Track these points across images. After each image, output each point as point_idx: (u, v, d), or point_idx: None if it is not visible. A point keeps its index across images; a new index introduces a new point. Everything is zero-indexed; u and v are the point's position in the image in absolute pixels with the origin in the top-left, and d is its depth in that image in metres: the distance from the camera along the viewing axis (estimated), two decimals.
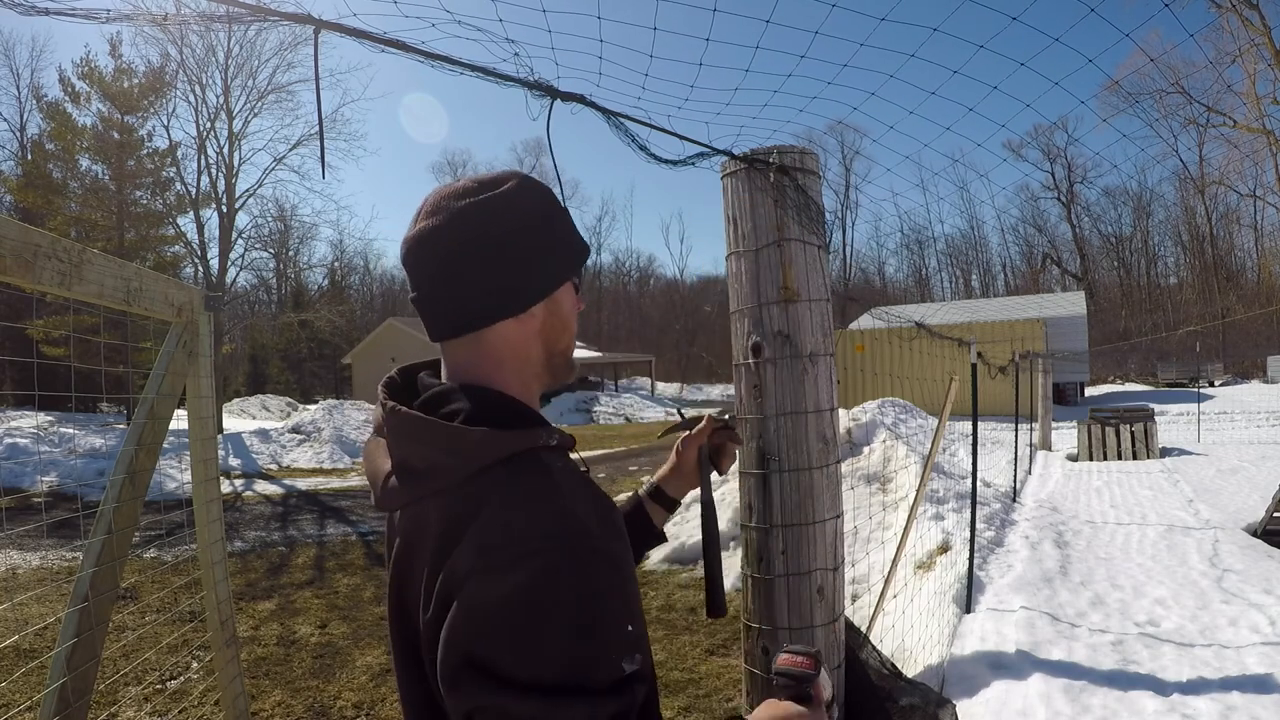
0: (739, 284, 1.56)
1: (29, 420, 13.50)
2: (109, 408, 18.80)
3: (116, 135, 18.40)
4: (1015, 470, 7.54)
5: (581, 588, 0.62)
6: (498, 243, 0.76)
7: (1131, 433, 10.35)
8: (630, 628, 0.66)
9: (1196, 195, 39.53)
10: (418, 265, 0.77)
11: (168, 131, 20.16)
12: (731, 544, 5.87)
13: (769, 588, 1.51)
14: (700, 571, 5.57)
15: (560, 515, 0.66)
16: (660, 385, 37.96)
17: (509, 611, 0.60)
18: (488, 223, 0.76)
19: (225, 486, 10.57)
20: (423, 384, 0.80)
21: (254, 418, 25.61)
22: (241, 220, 20.42)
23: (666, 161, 1.47)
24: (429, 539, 0.67)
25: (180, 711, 3.44)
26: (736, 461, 1.49)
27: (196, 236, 19.81)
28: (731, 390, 1.70)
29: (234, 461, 12.61)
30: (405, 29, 1.13)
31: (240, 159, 19.81)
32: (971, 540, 4.22)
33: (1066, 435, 12.75)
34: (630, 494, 1.27)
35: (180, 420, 1.85)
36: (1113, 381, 29.61)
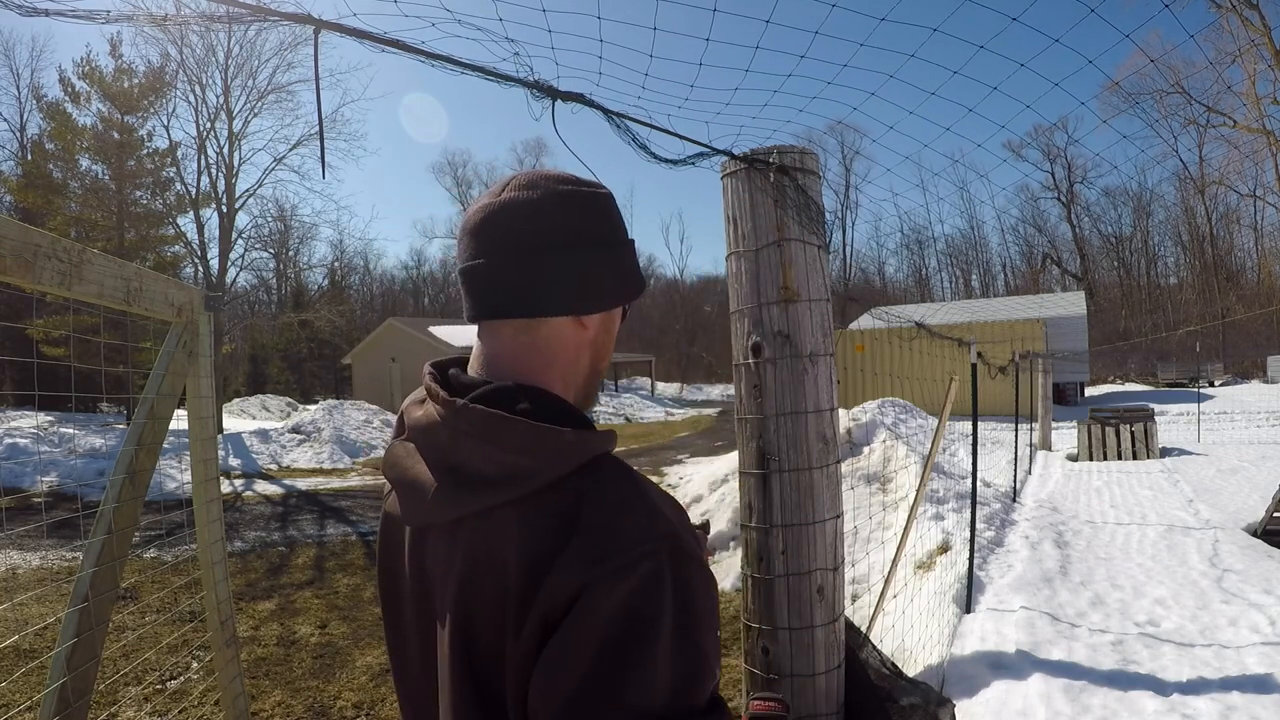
0: (739, 284, 1.56)
1: (29, 420, 13.50)
2: (109, 408, 18.80)
3: (116, 135, 18.40)
4: (1015, 470, 7.54)
5: (685, 594, 0.61)
6: (590, 238, 0.74)
7: (1131, 433, 10.35)
8: (718, 633, 0.65)
9: (1196, 195, 39.53)
10: (496, 231, 0.72)
11: (168, 131, 20.17)
12: (731, 544, 5.87)
13: (769, 588, 1.51)
14: None
15: (655, 520, 0.63)
16: (660, 385, 37.94)
17: (625, 626, 0.58)
18: (587, 215, 0.74)
19: (225, 486, 10.57)
20: (460, 379, 0.74)
21: (254, 418, 25.61)
22: (241, 220, 20.43)
23: (666, 161, 1.47)
24: (510, 553, 0.62)
25: (180, 711, 3.44)
26: (738, 462, 1.48)
27: (196, 236, 19.81)
28: (731, 390, 1.70)
29: (234, 461, 12.61)
30: (405, 29, 1.13)
31: (240, 159, 19.81)
32: (971, 540, 4.22)
33: (1066, 435, 12.75)
34: None
35: (180, 420, 1.85)
36: (1113, 381, 29.61)
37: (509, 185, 0.75)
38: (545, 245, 0.72)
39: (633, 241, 0.81)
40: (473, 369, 0.77)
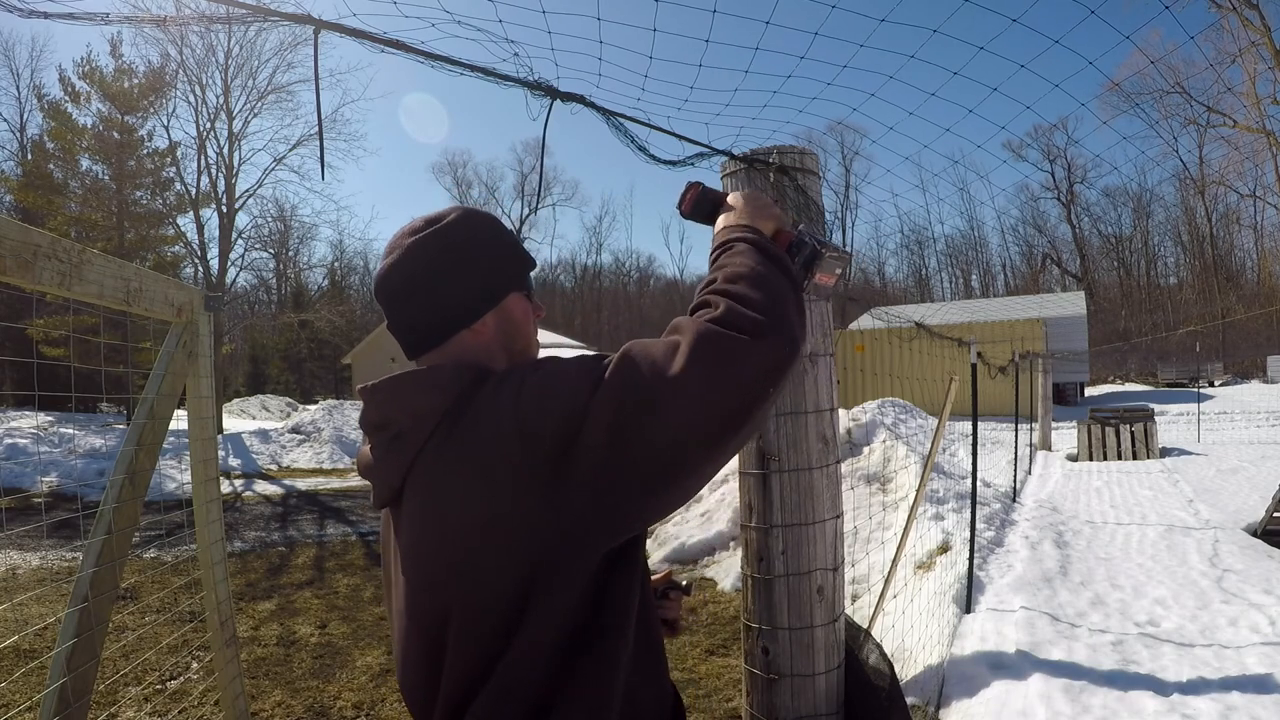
0: None
1: (29, 420, 13.50)
2: (109, 408, 18.80)
3: (117, 135, 18.40)
4: (1015, 470, 7.54)
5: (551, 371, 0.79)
6: (439, 270, 0.88)
7: (1131, 433, 10.35)
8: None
9: (1196, 195, 39.53)
10: (383, 298, 0.90)
11: (168, 131, 20.18)
12: (731, 544, 5.87)
13: (769, 588, 1.51)
14: (700, 572, 5.57)
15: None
16: None
17: (538, 379, 0.76)
18: (430, 254, 0.88)
19: (225, 487, 10.58)
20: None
21: (254, 418, 25.61)
22: (241, 220, 20.45)
23: (666, 162, 1.47)
24: (449, 447, 0.77)
25: (180, 711, 3.44)
26: (737, 460, 1.49)
27: (196, 236, 19.83)
28: None
29: (234, 462, 12.61)
30: (405, 29, 1.13)
31: (240, 159, 19.83)
32: (971, 540, 4.22)
33: (1066, 435, 12.75)
34: None
35: (180, 420, 1.85)
36: (1113, 381, 29.61)
37: (383, 257, 0.92)
38: (411, 291, 0.89)
39: (499, 236, 0.93)
40: None
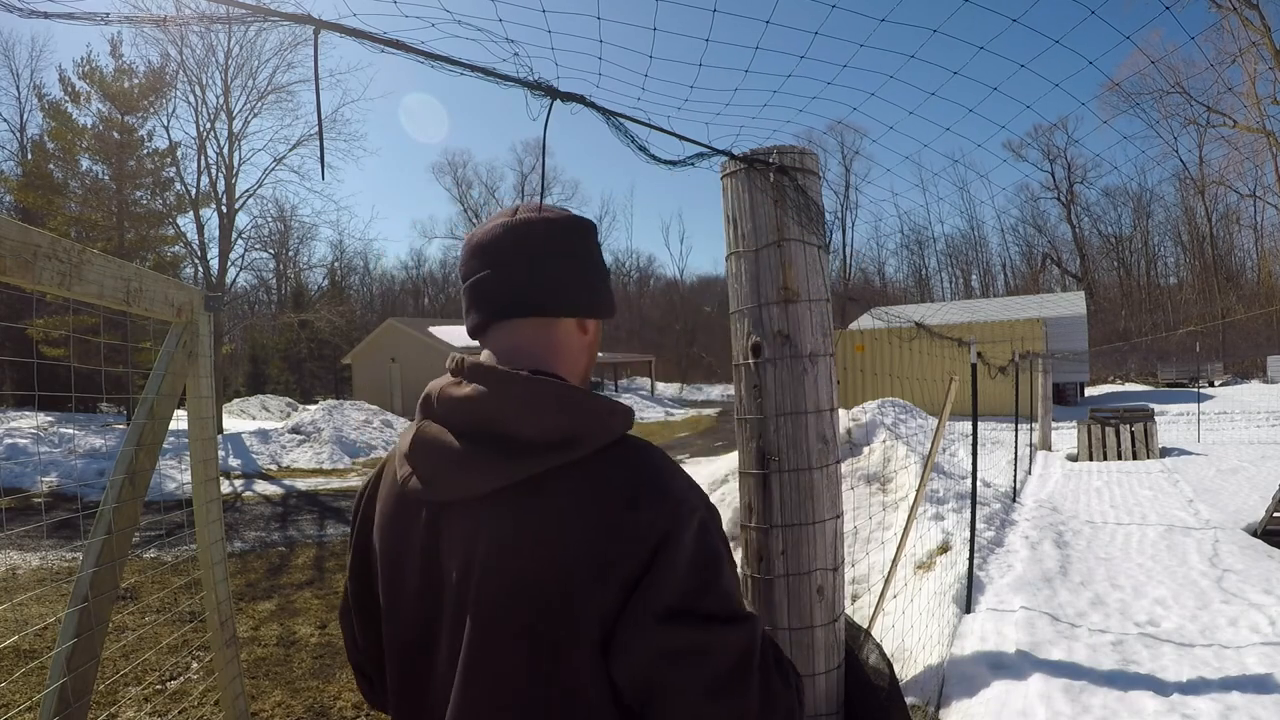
0: (739, 284, 1.56)
1: (29, 420, 13.50)
2: (109, 408, 18.79)
3: (117, 135, 18.39)
4: (1015, 470, 7.54)
5: (723, 536, 0.78)
6: (591, 258, 0.88)
7: (1131, 433, 10.35)
8: None
9: (1196, 195, 39.51)
10: (511, 245, 0.83)
11: (168, 131, 20.16)
12: (731, 544, 5.86)
13: (769, 588, 1.51)
14: None
15: (691, 482, 0.78)
16: (660, 385, 37.92)
17: (701, 553, 0.73)
18: (587, 237, 0.88)
19: (225, 487, 10.57)
20: (479, 365, 0.80)
21: (254, 418, 25.60)
22: (241, 220, 20.42)
23: (666, 162, 1.47)
24: (573, 513, 0.71)
25: (180, 711, 3.44)
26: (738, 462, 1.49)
27: (196, 236, 19.80)
28: (731, 390, 1.70)
29: (234, 462, 12.61)
30: (405, 29, 1.13)
31: (240, 159, 19.81)
32: (971, 540, 4.22)
33: (1066, 435, 12.75)
34: None
35: (180, 420, 1.85)
36: (1113, 381, 29.60)
37: (518, 210, 0.87)
38: (557, 254, 0.84)
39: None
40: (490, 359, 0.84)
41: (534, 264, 0.83)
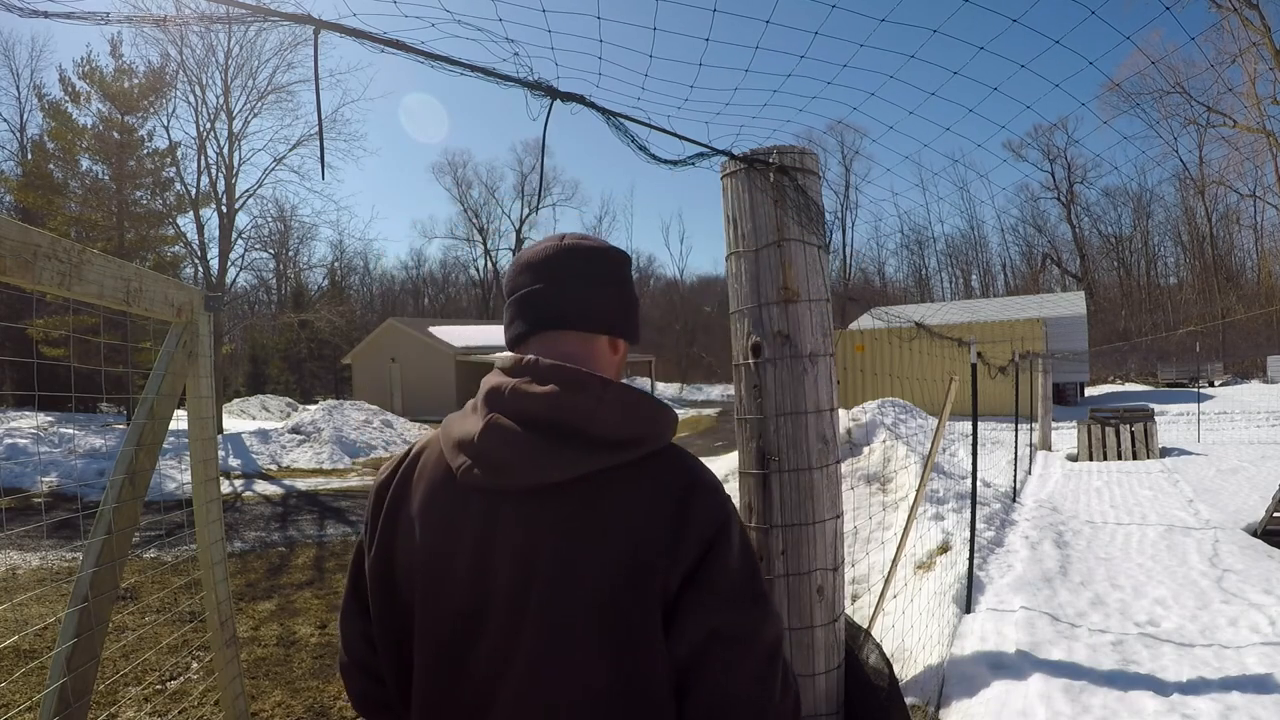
0: (739, 284, 1.56)
1: (29, 420, 13.50)
2: (109, 408, 18.79)
3: (116, 135, 18.38)
4: (1015, 470, 7.54)
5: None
6: (627, 286, 0.99)
7: (1131, 433, 10.35)
8: None
9: (1196, 195, 39.50)
10: (565, 266, 0.94)
11: (168, 131, 20.15)
12: None
13: (768, 588, 1.51)
14: None
15: (719, 481, 0.89)
16: (660, 385, 37.90)
17: (745, 542, 0.86)
18: (625, 266, 0.99)
19: (225, 487, 10.57)
20: (560, 367, 0.86)
21: (254, 418, 25.60)
22: (241, 220, 20.42)
23: (666, 162, 1.47)
24: (644, 501, 0.81)
25: (180, 711, 3.44)
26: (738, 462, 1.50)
27: (196, 236, 19.79)
28: (731, 390, 1.70)
29: (234, 462, 12.61)
30: (405, 29, 1.13)
31: (240, 159, 19.80)
32: (971, 540, 4.22)
33: (1066, 435, 12.75)
34: None
35: (180, 420, 1.85)
36: (1113, 381, 29.59)
37: (567, 237, 0.98)
38: (600, 277, 0.95)
39: None
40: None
41: (580, 284, 0.93)
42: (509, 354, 0.92)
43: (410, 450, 0.98)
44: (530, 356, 0.88)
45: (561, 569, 0.79)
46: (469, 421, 0.87)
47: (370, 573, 0.97)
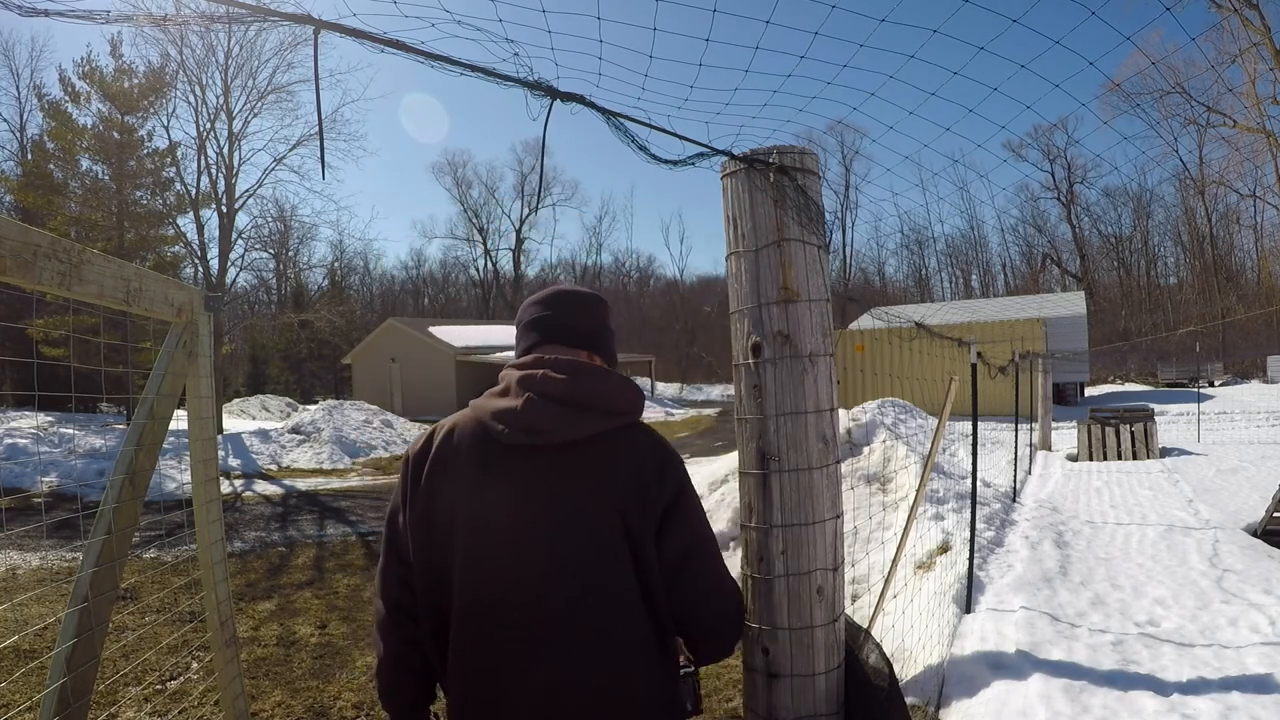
0: (739, 284, 1.56)
1: (29, 420, 13.50)
2: (109, 408, 18.79)
3: (117, 135, 18.37)
4: (1015, 470, 7.54)
5: None
6: (609, 322, 1.40)
7: (1131, 433, 10.35)
8: None
9: (1196, 195, 39.49)
10: (584, 311, 1.35)
11: (168, 131, 20.14)
12: (731, 544, 5.87)
13: (769, 588, 1.51)
14: None
15: None
16: (660, 385, 37.88)
17: (697, 499, 1.27)
18: (606, 309, 1.40)
19: (225, 487, 10.57)
20: (579, 363, 1.25)
21: (254, 418, 25.59)
22: (241, 220, 20.40)
23: (666, 162, 1.47)
24: (640, 450, 1.21)
25: (180, 711, 3.44)
26: (738, 461, 1.54)
27: (196, 236, 19.79)
28: (731, 390, 1.70)
29: (234, 462, 12.61)
30: (405, 29, 1.13)
31: (240, 159, 19.80)
32: (971, 540, 4.22)
33: (1066, 435, 12.75)
34: None
35: (180, 420, 1.85)
36: (1113, 381, 29.59)
37: (563, 285, 1.41)
38: (586, 313, 1.35)
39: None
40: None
41: (573, 315, 1.33)
42: (528, 355, 1.28)
43: (436, 429, 1.27)
44: (549, 355, 1.24)
45: (590, 492, 1.16)
46: (506, 400, 1.20)
47: (412, 526, 1.22)
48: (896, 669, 2.62)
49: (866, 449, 6.89)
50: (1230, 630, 3.40)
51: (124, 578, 1.85)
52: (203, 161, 19.54)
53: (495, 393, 1.24)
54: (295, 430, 15.19)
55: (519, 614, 1.14)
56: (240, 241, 20.71)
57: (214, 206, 19.52)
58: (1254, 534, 5.35)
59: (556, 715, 1.12)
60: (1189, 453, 10.13)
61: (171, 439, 1.91)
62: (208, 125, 19.30)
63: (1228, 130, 32.09)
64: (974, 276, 52.59)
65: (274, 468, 12.83)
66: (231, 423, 20.92)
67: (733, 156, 1.54)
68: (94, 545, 1.55)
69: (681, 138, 1.44)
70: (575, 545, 1.14)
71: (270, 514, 8.77)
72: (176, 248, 20.61)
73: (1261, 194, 35.72)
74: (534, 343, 1.31)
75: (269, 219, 25.70)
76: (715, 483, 7.20)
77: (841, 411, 6.54)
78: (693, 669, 1.36)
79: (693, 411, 26.59)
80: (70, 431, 12.48)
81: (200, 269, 19.81)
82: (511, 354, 1.37)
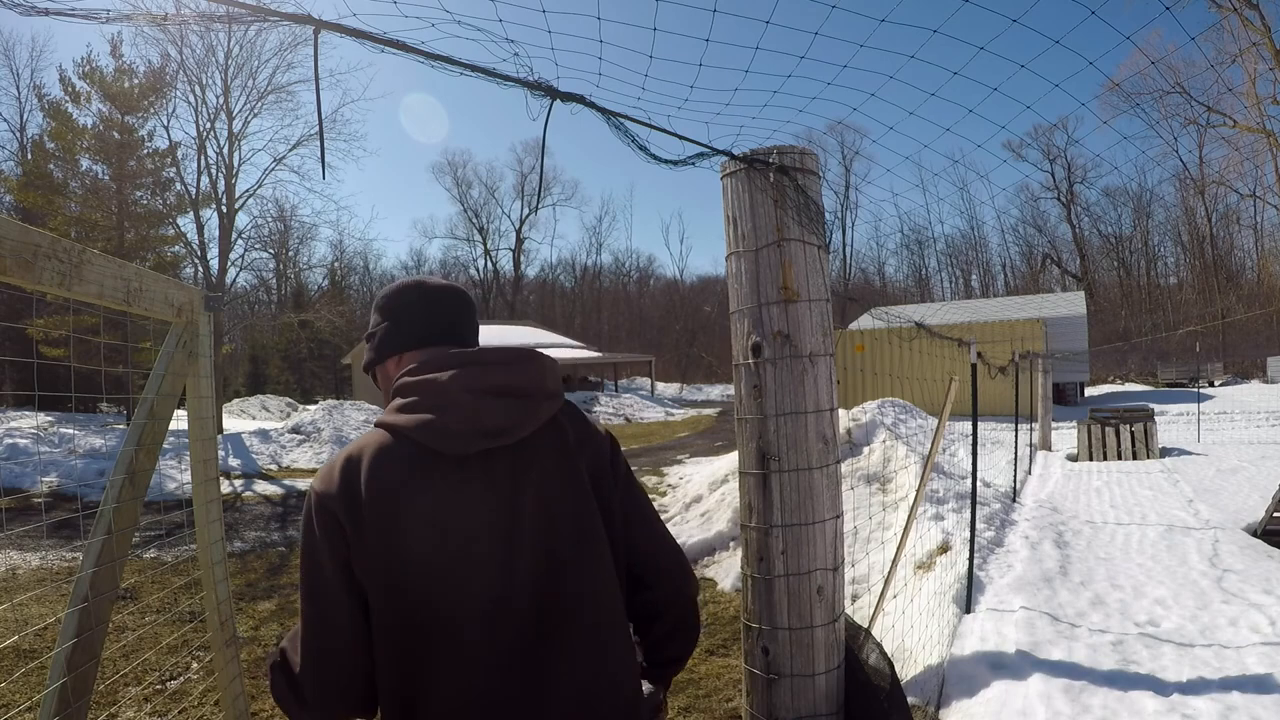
0: (739, 284, 1.56)
1: (29, 420, 13.50)
2: (109, 408, 18.79)
3: (117, 135, 18.38)
4: (1015, 470, 7.54)
5: None
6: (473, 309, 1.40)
7: (1131, 433, 10.35)
8: None
9: (1196, 195, 39.49)
10: (455, 297, 1.27)
11: (168, 132, 20.16)
12: (731, 544, 5.87)
13: (769, 588, 1.51)
14: (700, 572, 5.56)
15: None
16: (660, 385, 37.90)
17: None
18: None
19: (225, 487, 10.57)
20: (514, 349, 1.20)
21: (254, 418, 25.59)
22: (241, 220, 20.41)
23: (666, 162, 1.47)
24: (592, 431, 1.22)
25: (180, 711, 3.44)
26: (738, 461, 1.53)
27: (196, 237, 19.80)
28: (731, 390, 1.70)
29: (234, 462, 12.61)
30: (405, 29, 1.13)
31: (240, 159, 19.80)
32: (971, 540, 4.22)
33: (1066, 435, 12.75)
34: None
35: (180, 420, 1.85)
36: (1113, 381, 29.59)
37: (432, 277, 1.32)
38: (469, 307, 1.31)
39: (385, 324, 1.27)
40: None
41: (462, 305, 1.27)
42: (435, 351, 1.17)
43: (346, 463, 1.07)
44: (469, 350, 1.15)
45: (565, 474, 1.13)
46: (441, 408, 1.07)
47: (368, 575, 1.05)
48: (897, 669, 2.63)
49: (866, 449, 6.89)
50: (1230, 630, 3.40)
51: (124, 578, 1.85)
52: (203, 161, 19.57)
53: (417, 405, 1.07)
54: (295, 430, 15.19)
55: (535, 623, 1.06)
56: (240, 241, 20.73)
57: (214, 206, 19.53)
58: (1254, 534, 5.35)
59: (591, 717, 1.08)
60: (1189, 453, 10.13)
61: (171, 439, 1.91)
62: (208, 125, 19.32)
63: (1228, 130, 32.08)
64: (974, 276, 52.63)
65: (274, 468, 12.83)
66: (231, 423, 20.92)
67: (733, 156, 1.54)
68: (94, 545, 1.55)
69: (681, 138, 1.44)
70: (569, 539, 1.11)
71: (270, 514, 8.77)
72: (176, 248, 20.63)
73: (1261, 194, 35.72)
74: (423, 341, 1.20)
75: (269, 219, 25.74)
76: (715, 483, 7.20)
77: (841, 411, 6.55)
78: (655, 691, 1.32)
79: (693, 411, 26.59)
80: (70, 431, 12.48)
81: (200, 269, 19.82)
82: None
